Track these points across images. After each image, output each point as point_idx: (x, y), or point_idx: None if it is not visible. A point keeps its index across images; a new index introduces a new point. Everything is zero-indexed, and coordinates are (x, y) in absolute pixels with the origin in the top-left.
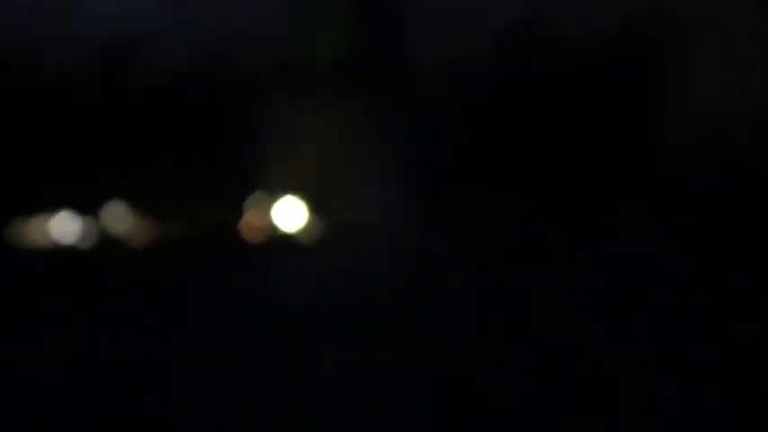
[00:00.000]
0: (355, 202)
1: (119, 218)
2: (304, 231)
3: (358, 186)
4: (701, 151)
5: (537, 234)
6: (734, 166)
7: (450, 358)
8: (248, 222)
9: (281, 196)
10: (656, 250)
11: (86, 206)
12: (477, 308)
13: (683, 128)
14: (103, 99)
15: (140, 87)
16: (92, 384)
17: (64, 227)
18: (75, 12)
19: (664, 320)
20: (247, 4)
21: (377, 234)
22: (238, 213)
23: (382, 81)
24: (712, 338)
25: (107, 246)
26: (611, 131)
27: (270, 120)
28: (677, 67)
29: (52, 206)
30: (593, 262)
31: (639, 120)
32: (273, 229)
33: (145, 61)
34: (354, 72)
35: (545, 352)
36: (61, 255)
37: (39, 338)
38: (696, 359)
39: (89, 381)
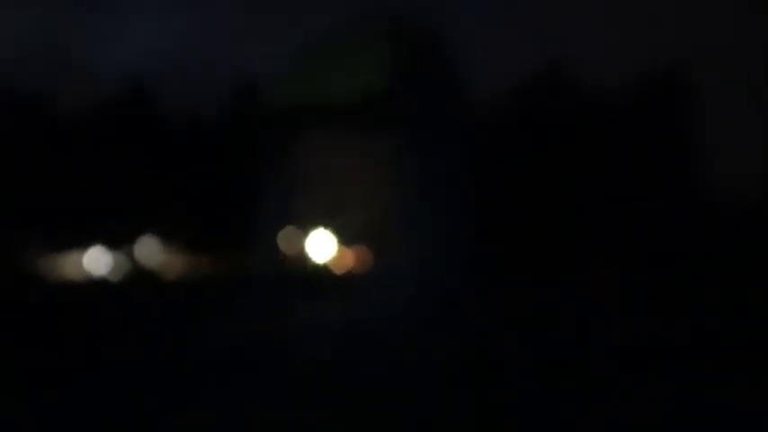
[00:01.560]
0: (387, 237)
1: (151, 252)
2: (335, 263)
3: (390, 221)
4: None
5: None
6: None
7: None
8: (283, 254)
9: (313, 230)
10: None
11: (119, 241)
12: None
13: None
14: (136, 138)
15: (174, 126)
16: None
17: (97, 260)
18: (95, 54)
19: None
20: (277, 39)
21: (404, 268)
22: (271, 246)
23: (414, 115)
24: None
25: (138, 278)
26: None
27: (301, 155)
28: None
29: (86, 241)
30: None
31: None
32: (306, 260)
33: (174, 99)
34: (386, 106)
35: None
36: (94, 286)
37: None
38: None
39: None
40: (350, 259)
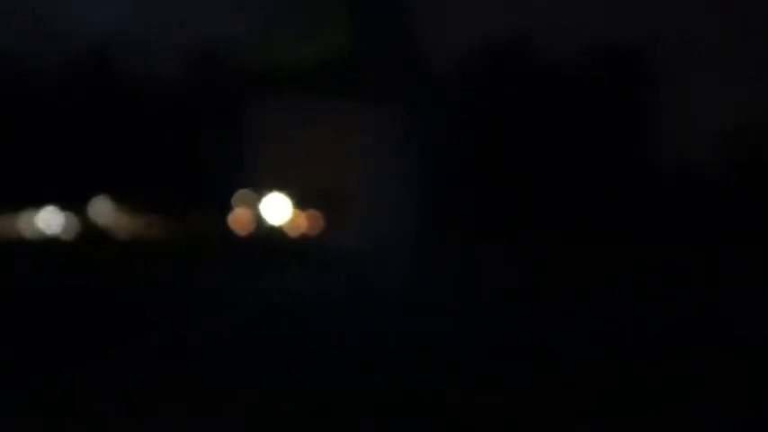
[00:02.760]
0: (342, 202)
1: (104, 213)
2: (288, 226)
3: (347, 186)
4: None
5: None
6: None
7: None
8: (236, 216)
9: (268, 193)
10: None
11: (72, 201)
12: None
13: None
14: (92, 100)
15: (128, 88)
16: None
17: (50, 220)
18: (61, 15)
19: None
20: (241, 5)
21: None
22: (225, 209)
23: (373, 82)
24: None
25: (90, 238)
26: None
27: (258, 119)
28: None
29: (39, 201)
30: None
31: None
32: (260, 222)
33: (132, 63)
34: (344, 73)
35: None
36: (45, 245)
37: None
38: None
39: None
40: (303, 223)
